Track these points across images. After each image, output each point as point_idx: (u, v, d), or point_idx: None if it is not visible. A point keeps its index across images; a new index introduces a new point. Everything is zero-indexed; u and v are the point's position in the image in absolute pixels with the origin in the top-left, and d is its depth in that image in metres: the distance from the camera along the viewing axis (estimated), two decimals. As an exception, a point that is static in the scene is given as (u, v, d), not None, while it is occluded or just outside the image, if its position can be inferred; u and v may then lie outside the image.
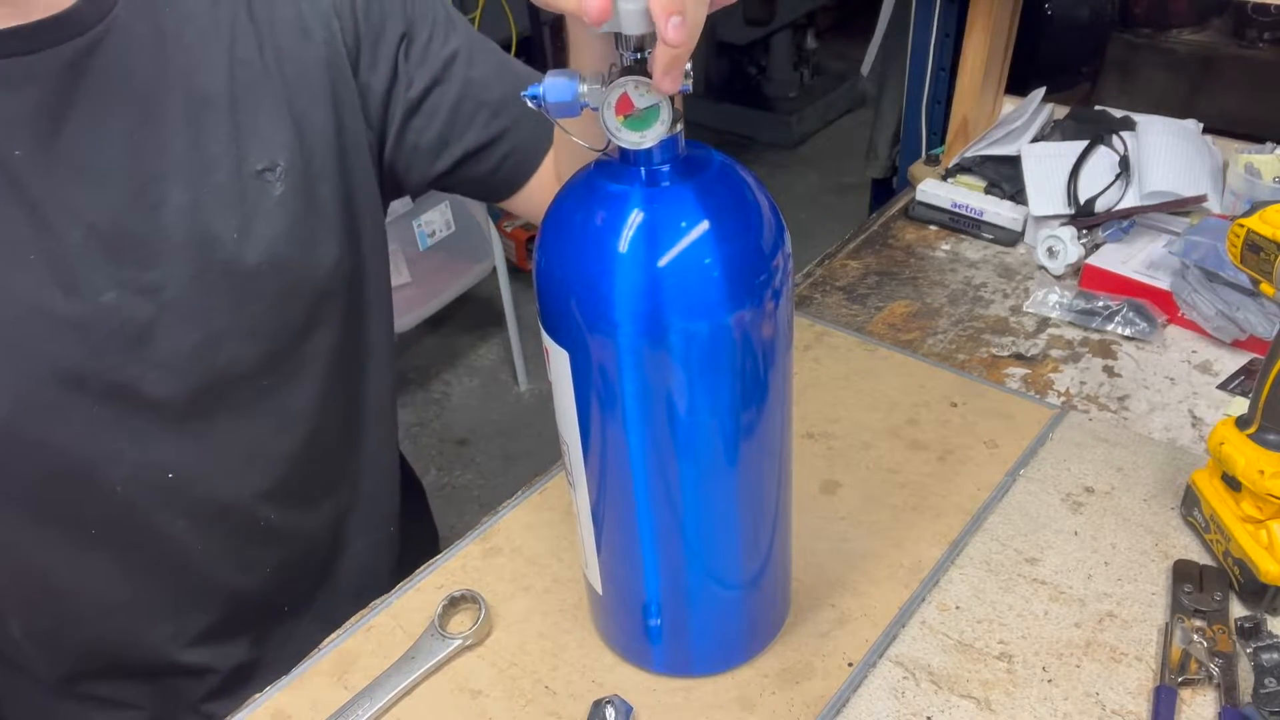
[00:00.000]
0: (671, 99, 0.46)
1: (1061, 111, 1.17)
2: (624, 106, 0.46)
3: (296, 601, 0.81)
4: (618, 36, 0.46)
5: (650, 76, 0.45)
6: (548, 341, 0.52)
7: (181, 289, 0.63)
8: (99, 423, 0.63)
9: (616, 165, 0.50)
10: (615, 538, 0.59)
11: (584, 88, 0.47)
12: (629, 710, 0.62)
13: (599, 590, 0.63)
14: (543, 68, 0.57)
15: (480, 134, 0.74)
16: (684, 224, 0.48)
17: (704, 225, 0.48)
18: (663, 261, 0.48)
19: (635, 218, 0.48)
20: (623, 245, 0.48)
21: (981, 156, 1.13)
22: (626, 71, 0.46)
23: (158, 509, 0.69)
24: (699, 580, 0.60)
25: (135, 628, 0.73)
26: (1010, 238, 1.07)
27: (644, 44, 0.46)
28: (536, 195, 0.77)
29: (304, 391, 0.72)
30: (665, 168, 0.49)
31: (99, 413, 0.63)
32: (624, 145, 0.47)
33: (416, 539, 0.95)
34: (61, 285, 0.59)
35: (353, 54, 0.69)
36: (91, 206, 0.59)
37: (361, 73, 0.70)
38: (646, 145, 0.47)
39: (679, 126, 0.48)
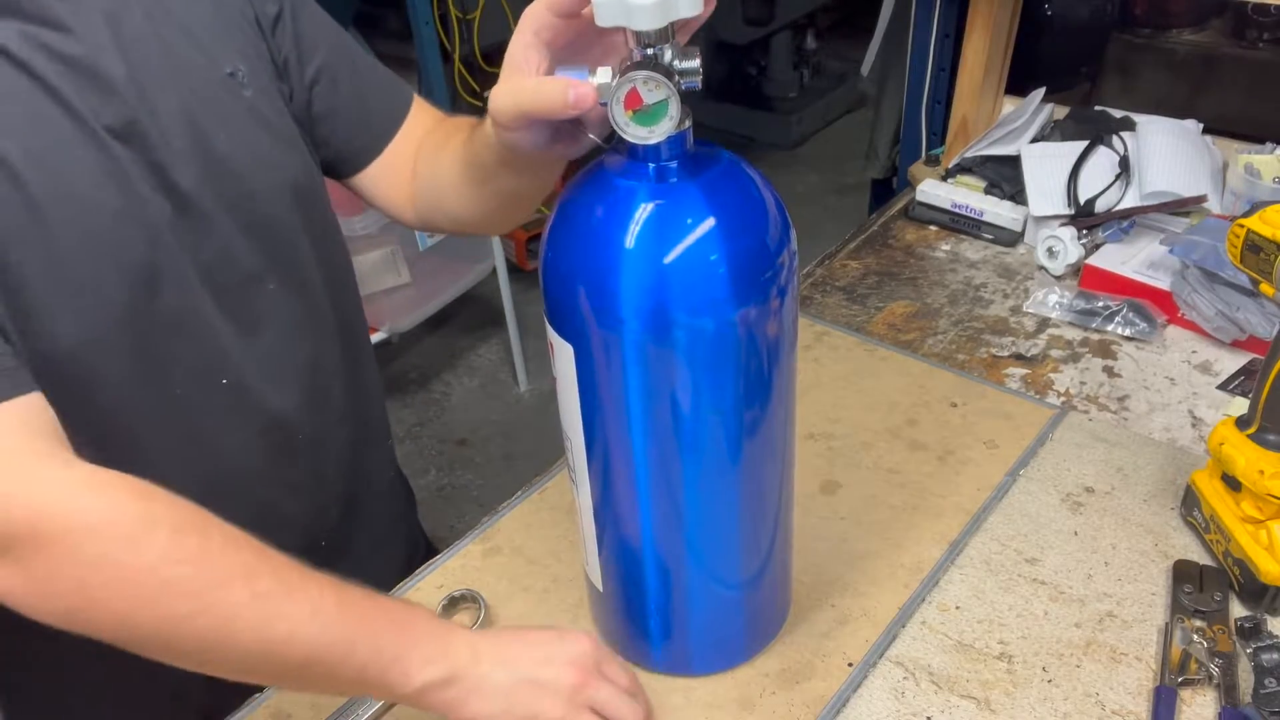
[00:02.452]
0: (680, 96, 0.46)
1: (1061, 111, 1.17)
2: (633, 101, 0.46)
3: (330, 536, 0.82)
4: (628, 31, 0.46)
5: (660, 73, 0.45)
6: (552, 335, 0.52)
7: (193, 186, 0.66)
8: (162, 323, 0.65)
9: (625, 161, 0.50)
10: (617, 534, 0.59)
11: (593, 82, 0.47)
12: (630, 708, 0.62)
13: (600, 588, 0.63)
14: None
15: (329, 101, 0.76)
16: (691, 220, 0.48)
17: (711, 222, 0.48)
18: (669, 257, 0.48)
19: (643, 213, 0.48)
20: (630, 240, 0.48)
21: (981, 157, 1.13)
22: (636, 66, 0.46)
23: (219, 419, 0.70)
24: (700, 579, 0.60)
25: None
26: (1010, 238, 1.07)
27: (654, 39, 0.46)
28: (383, 180, 0.79)
29: (306, 300, 0.75)
30: (674, 164, 0.49)
31: (161, 310, 0.65)
32: (632, 140, 0.47)
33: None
34: (114, 182, 0.62)
35: None
36: (107, 110, 0.62)
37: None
38: (654, 140, 0.47)
39: (687, 123, 0.48)
